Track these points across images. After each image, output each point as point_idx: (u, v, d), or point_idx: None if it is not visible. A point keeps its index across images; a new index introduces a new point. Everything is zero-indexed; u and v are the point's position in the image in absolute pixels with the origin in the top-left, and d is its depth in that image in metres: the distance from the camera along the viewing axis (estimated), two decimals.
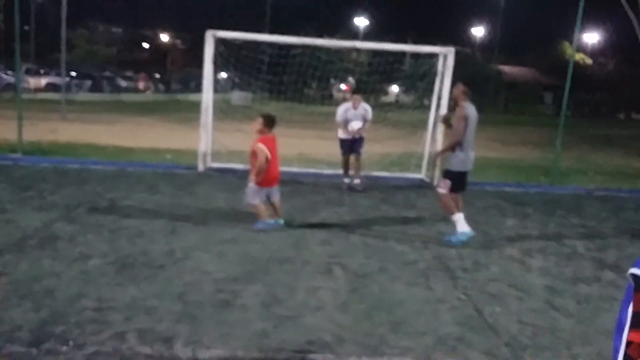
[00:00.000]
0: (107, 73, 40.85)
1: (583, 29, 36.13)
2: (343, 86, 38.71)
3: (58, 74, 25.70)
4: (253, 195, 6.50)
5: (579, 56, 38.26)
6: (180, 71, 50.31)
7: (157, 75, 48.46)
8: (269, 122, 6.58)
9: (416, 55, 11.86)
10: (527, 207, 8.68)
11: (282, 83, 13.71)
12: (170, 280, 4.76)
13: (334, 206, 7.95)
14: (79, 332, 3.70)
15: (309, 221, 7.01)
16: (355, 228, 6.81)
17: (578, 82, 10.92)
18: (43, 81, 32.33)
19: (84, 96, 30.24)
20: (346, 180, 9.49)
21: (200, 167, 10.04)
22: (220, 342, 3.70)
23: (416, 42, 13.21)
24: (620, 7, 17.43)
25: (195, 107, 11.36)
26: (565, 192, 10.25)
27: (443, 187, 6.32)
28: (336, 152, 9.80)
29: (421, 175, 10.65)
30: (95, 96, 31.26)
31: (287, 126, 18.10)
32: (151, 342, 3.62)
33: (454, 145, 6.26)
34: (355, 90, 10.37)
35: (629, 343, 1.56)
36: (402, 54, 13.26)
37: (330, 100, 31.52)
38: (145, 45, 59.47)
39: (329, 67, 16.68)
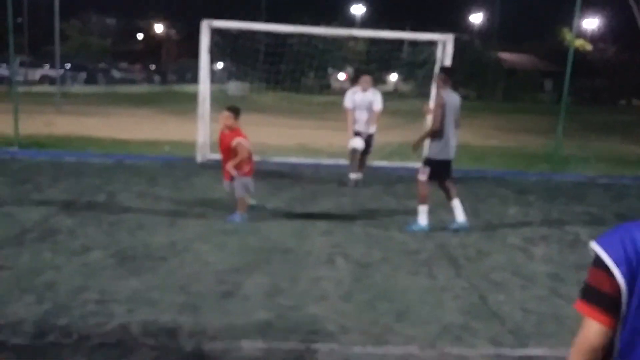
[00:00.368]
0: (101, 65, 40.62)
1: (582, 14, 35.99)
2: (341, 75, 38.58)
3: (52, 67, 25.54)
4: (244, 189, 6.37)
5: (578, 42, 38.12)
6: (175, 62, 50.05)
7: (152, 67, 48.22)
8: (238, 114, 6.43)
9: (414, 43, 11.79)
10: (529, 195, 8.66)
11: (279, 73, 13.62)
12: (172, 272, 4.73)
13: (335, 196, 7.92)
14: (83, 324, 3.68)
15: (310, 211, 6.98)
16: (356, 218, 6.78)
17: (578, 69, 10.86)
18: (38, 73, 32.15)
19: (78, 88, 30.07)
20: (353, 176, 8.65)
21: (199, 159, 9.99)
22: (224, 332, 3.68)
23: (414, 29, 13.09)
24: None
25: (192, 98, 11.29)
26: (567, 179, 10.23)
27: (422, 175, 6.31)
28: (335, 141, 9.73)
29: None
30: (90, 88, 31.08)
31: (284, 116, 18.13)
32: (155, 334, 3.60)
33: (431, 133, 6.25)
34: (364, 71, 9.47)
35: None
36: (400, 42, 13.19)
37: (328, 89, 31.50)
38: (140, 36, 59.08)
39: (326, 56, 16.62)
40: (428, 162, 6.32)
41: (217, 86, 14.40)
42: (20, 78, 26.77)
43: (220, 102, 11.34)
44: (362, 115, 8.55)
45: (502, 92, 42.37)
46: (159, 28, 56.99)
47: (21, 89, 21.39)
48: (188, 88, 29.22)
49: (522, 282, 4.89)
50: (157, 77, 43.97)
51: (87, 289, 4.27)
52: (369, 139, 8.63)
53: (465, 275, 5.04)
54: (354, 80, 9.15)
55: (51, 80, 26.36)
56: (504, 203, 8.07)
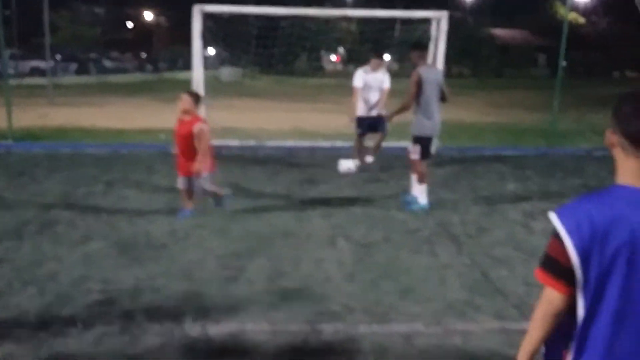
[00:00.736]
0: (92, 55, 40.22)
1: None
2: (333, 57, 38.34)
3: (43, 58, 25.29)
4: (207, 187, 5.79)
5: (571, 15, 37.82)
6: (167, 49, 49.58)
7: (144, 55, 47.79)
8: (198, 100, 5.84)
9: (407, 22, 11.68)
10: (527, 170, 8.65)
11: (272, 56, 13.50)
12: (174, 259, 4.72)
13: (333, 178, 7.89)
14: (87, 313, 3.68)
15: (309, 195, 6.96)
16: (355, 199, 6.76)
17: (571, 42, 10.79)
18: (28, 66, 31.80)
19: (70, 79, 29.79)
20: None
21: None
22: (228, 316, 3.68)
23: (406, 8, 12.95)
24: None
25: (184, 85, 11.18)
26: (564, 153, 10.22)
27: (414, 154, 6.29)
28: (331, 123, 9.69)
29: None
30: (82, 79, 30.78)
31: (278, 100, 18.05)
32: (160, 320, 3.60)
33: (404, 108, 6.24)
34: (377, 52, 8.68)
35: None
36: (393, 20, 13.06)
37: (321, 72, 31.32)
38: (130, 24, 58.49)
39: (319, 37, 16.48)
40: (417, 139, 6.29)
41: (210, 72, 14.30)
42: (11, 71, 26.51)
43: (214, 88, 11.29)
44: (373, 96, 8.28)
45: (496, 69, 42.20)
46: (148, 16, 56.38)
47: (12, 81, 21.18)
48: (180, 75, 29.03)
49: (524, 257, 4.90)
50: (148, 65, 43.61)
51: (89, 278, 4.26)
52: (380, 120, 8.29)
53: (467, 252, 5.05)
54: (377, 53, 8.54)
55: (42, 72, 26.10)
56: (502, 179, 8.06)
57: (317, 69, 27.57)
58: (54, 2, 24.87)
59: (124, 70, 38.88)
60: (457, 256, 4.95)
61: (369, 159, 8.68)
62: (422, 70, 6.17)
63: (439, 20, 9.73)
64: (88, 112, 15.43)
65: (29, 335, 3.38)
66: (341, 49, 35.22)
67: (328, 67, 36.88)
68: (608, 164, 7.32)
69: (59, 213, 5.97)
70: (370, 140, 8.63)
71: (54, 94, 18.83)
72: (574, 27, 37.10)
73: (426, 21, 10.22)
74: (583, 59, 42.96)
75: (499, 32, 46.61)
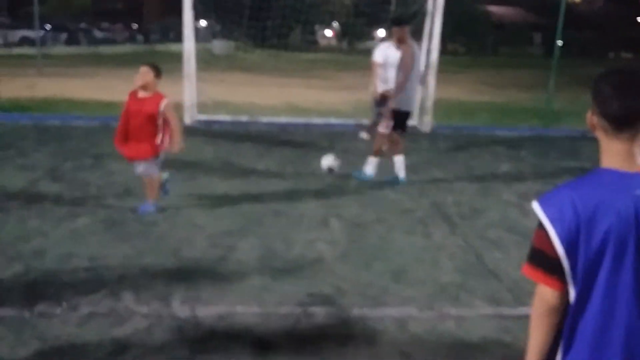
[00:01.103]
0: (82, 25, 39.47)
1: None
2: (329, 32, 37.84)
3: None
4: (156, 166, 5.12)
5: None
6: (158, 21, 48.77)
7: (135, 26, 46.95)
8: (160, 73, 5.10)
9: None
10: (522, 151, 8.59)
11: (265, 29, 13.24)
12: (163, 236, 4.63)
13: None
14: (72, 292, 3.59)
15: (301, 172, 6.85)
16: (348, 178, 6.66)
17: (566, 21, 10.63)
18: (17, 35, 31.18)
19: (60, 49, 29.23)
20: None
21: (187, 120, 9.76)
22: (218, 298, 3.61)
23: None
24: None
25: (176, 57, 10.96)
26: (559, 134, 10.14)
27: (385, 127, 6.24)
28: (325, 99, 9.53)
29: (414, 122, 10.46)
30: (72, 49, 30.24)
31: (272, 75, 17.78)
32: (147, 301, 3.52)
33: (403, 84, 6.14)
34: (399, 22, 6.76)
35: None
36: None
37: (315, 46, 30.91)
38: None
39: (313, 10, 16.18)
40: (393, 113, 6.21)
41: (202, 45, 14.01)
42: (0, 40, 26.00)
43: (206, 61, 11.05)
44: (394, 74, 7.37)
45: (491, 46, 41.89)
46: None
47: (1, 51, 20.76)
48: (172, 47, 28.56)
49: (518, 239, 4.85)
50: (139, 37, 42.91)
51: (76, 255, 4.16)
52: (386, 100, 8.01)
53: (461, 233, 4.99)
54: (399, 23, 7.59)
55: (31, 42, 25.56)
56: (496, 159, 7.99)
57: (311, 43, 27.20)
58: None
59: (114, 41, 38.22)
60: (450, 237, 4.89)
61: (364, 135, 8.58)
62: (413, 45, 6.21)
63: None
64: (77, 83, 15.14)
65: (13, 316, 3.29)
66: (335, 24, 34.72)
67: (322, 42, 36.42)
68: None
69: (46, 187, 5.85)
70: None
71: (43, 64, 18.45)
72: (569, 5, 36.76)
73: None
74: (578, 38, 42.71)
75: (494, 9, 46.12)
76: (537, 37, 45.21)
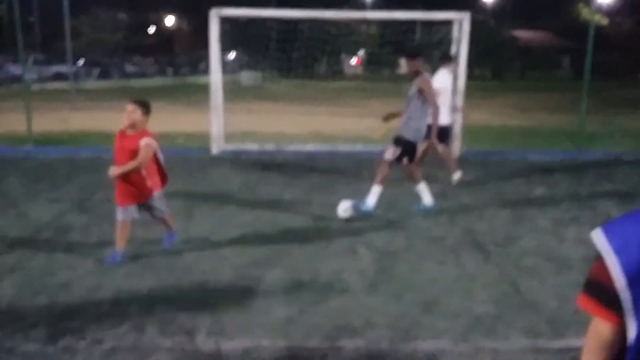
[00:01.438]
0: (115, 59, 40.66)
1: None
2: (353, 60, 38.13)
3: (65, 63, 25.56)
4: (164, 203, 4.96)
5: (595, 17, 37.18)
6: (187, 54, 49.98)
7: (165, 59, 48.16)
8: (148, 110, 5.00)
9: (427, 24, 11.46)
10: (555, 175, 8.35)
11: (291, 60, 13.37)
12: (188, 268, 4.57)
13: (353, 184, 7.68)
14: (97, 326, 3.53)
15: (328, 201, 6.76)
16: (377, 205, 6.54)
17: (595, 44, 10.44)
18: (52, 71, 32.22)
19: (92, 84, 30.09)
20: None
21: (214, 150, 9.83)
22: (243, 331, 3.50)
23: (426, 9, 12.73)
24: None
25: (205, 89, 11.11)
26: (593, 157, 9.85)
27: (390, 154, 6.10)
28: (352, 127, 9.49)
29: None
30: (104, 83, 31.09)
31: (298, 104, 17.90)
32: (172, 335, 3.44)
33: (438, 112, 6.12)
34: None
35: None
36: (413, 23, 12.86)
37: (341, 75, 31.15)
38: (151, 29, 59.09)
39: (338, 41, 16.32)
40: (404, 143, 6.09)
41: (230, 77, 14.21)
42: (34, 76, 26.85)
43: (234, 92, 11.18)
44: (448, 101, 7.92)
45: (519, 71, 41.60)
46: (170, 20, 56.92)
47: (35, 86, 21.42)
48: (201, 79, 29.10)
49: (556, 268, 4.64)
50: (169, 70, 43.96)
51: (101, 288, 4.13)
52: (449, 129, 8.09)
53: (495, 262, 4.80)
54: (445, 58, 8.10)
55: (65, 77, 26.36)
56: (529, 184, 7.78)
57: (337, 73, 27.43)
58: (76, 8, 25.13)
59: (144, 75, 39.20)
60: (484, 266, 4.71)
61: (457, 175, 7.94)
62: (428, 77, 6.26)
63: (461, 22, 9.50)
64: (109, 116, 15.41)
65: (37, 350, 3.25)
66: (361, 52, 34.97)
67: (348, 71, 36.70)
68: (639, 168, 6.99)
69: (75, 219, 5.88)
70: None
71: (76, 99, 18.97)
72: (597, 28, 36.40)
73: (447, 23, 10.00)
74: (606, 60, 42.10)
75: (520, 33, 45.94)
76: (565, 61, 44.77)
